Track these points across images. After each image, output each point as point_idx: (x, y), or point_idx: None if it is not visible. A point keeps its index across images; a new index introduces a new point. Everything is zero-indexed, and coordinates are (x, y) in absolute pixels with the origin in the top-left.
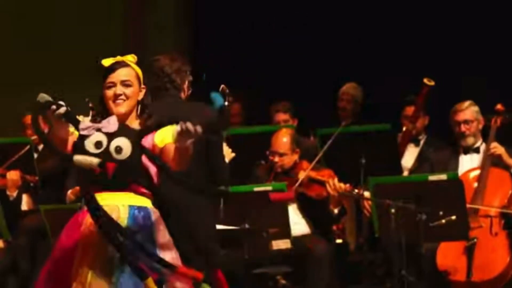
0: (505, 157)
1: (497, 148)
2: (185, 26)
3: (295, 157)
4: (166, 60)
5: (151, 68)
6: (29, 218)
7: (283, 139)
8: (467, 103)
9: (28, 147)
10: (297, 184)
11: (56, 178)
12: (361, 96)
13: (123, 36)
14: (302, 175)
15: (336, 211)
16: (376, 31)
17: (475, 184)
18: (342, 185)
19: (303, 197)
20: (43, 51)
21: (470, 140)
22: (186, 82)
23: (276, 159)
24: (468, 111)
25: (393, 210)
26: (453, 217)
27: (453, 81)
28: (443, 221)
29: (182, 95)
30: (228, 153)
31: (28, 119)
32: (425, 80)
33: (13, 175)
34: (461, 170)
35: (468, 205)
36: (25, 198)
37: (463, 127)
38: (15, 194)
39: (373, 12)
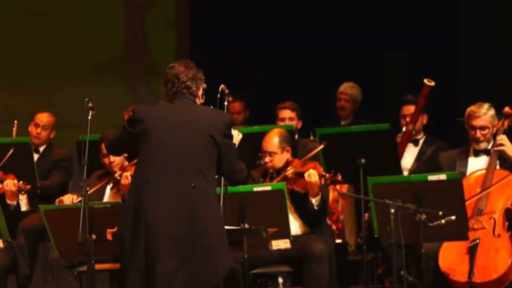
0: (510, 152)
1: (503, 141)
2: (186, 25)
3: (286, 156)
4: (181, 67)
5: (167, 76)
6: (29, 218)
7: (273, 138)
8: (485, 107)
9: (11, 150)
10: (280, 178)
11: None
12: (359, 95)
13: (124, 37)
14: (290, 171)
15: (314, 201)
16: (376, 31)
17: (480, 186)
18: (316, 173)
19: (293, 194)
20: (43, 51)
21: (483, 145)
22: (201, 89)
23: (267, 159)
24: (486, 117)
25: (392, 210)
26: (453, 217)
27: (452, 80)
28: (443, 221)
29: (197, 101)
30: (236, 137)
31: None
32: (426, 81)
33: (11, 186)
34: (470, 172)
35: (471, 200)
36: (23, 199)
37: (478, 133)
38: (15, 202)
39: (373, 12)
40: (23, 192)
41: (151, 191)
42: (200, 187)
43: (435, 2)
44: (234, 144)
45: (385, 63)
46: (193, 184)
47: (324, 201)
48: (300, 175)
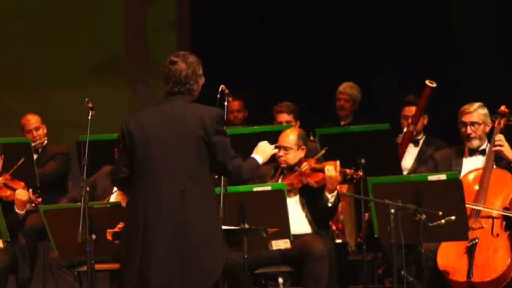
0: (507, 152)
1: (502, 141)
2: (186, 25)
3: (301, 154)
4: (183, 64)
5: (167, 71)
6: (29, 218)
7: (290, 135)
8: (476, 105)
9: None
10: (295, 173)
11: (56, 183)
12: (358, 95)
13: (124, 37)
14: (305, 167)
15: (330, 196)
16: (376, 31)
17: (477, 185)
18: (334, 167)
19: (305, 189)
20: (43, 51)
21: (475, 143)
22: (200, 85)
23: (281, 153)
24: (476, 114)
25: (392, 210)
26: (453, 217)
27: (452, 80)
28: (443, 221)
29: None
30: (269, 149)
31: (26, 119)
32: (427, 82)
33: (22, 196)
34: (465, 172)
35: (469, 206)
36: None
37: (469, 129)
38: (23, 212)
39: (372, 12)
40: (33, 205)
41: (146, 197)
42: (191, 191)
43: (435, 2)
44: (228, 139)
45: (385, 63)
46: (183, 189)
47: (338, 199)
48: (316, 170)
